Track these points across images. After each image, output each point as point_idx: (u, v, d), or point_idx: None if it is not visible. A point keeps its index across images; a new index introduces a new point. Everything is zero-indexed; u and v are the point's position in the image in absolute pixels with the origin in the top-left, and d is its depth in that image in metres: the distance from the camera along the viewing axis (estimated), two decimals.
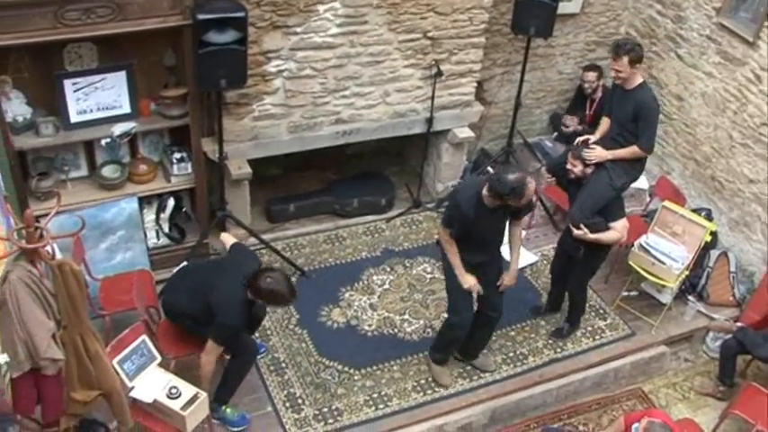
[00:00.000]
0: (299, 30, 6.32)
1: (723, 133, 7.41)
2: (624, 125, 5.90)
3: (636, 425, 4.89)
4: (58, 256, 4.61)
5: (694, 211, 7.23)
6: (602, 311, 6.91)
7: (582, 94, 8.23)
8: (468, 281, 5.61)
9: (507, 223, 5.61)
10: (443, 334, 6.05)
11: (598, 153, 5.90)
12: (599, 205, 5.91)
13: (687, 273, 6.70)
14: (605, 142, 6.02)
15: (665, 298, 6.90)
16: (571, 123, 8.06)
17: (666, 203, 6.85)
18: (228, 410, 5.58)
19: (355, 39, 6.56)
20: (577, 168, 5.94)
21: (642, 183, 7.86)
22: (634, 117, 5.80)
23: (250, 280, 5.15)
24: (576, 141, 6.17)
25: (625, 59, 5.66)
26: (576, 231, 5.90)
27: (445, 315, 6.12)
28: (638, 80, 5.81)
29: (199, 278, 5.47)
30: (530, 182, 5.20)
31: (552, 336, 6.61)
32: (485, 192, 5.26)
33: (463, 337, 5.99)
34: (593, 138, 6.13)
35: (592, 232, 5.87)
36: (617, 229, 5.92)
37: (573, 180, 6.05)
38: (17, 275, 4.05)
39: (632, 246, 6.75)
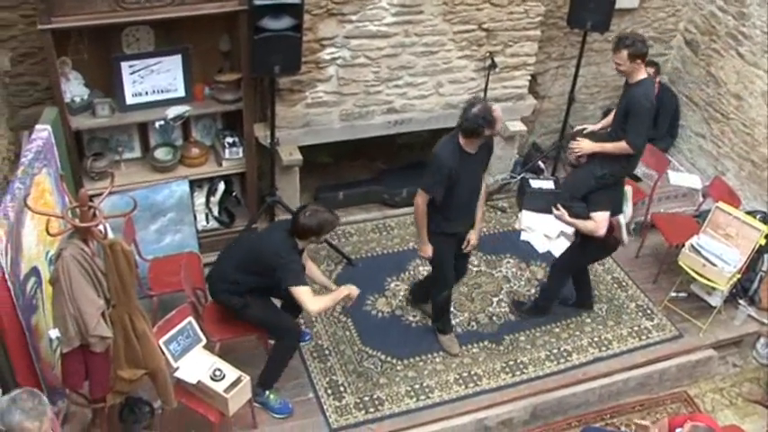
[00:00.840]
0: (354, 18, 6.32)
1: None
2: (618, 120, 5.88)
3: (679, 430, 4.81)
4: (110, 235, 4.68)
5: (749, 213, 7.08)
6: (649, 312, 6.82)
7: None
8: (427, 250, 5.75)
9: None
10: (437, 305, 6.21)
11: (583, 145, 5.93)
12: (579, 191, 5.95)
13: (739, 276, 6.58)
14: (604, 134, 6.03)
15: (715, 301, 6.78)
16: None
17: (720, 204, 6.72)
18: (272, 396, 5.63)
19: (410, 28, 6.55)
20: (572, 155, 6.02)
21: (695, 183, 7.74)
22: (626, 112, 5.76)
23: (292, 226, 5.20)
24: (575, 129, 6.15)
25: (624, 53, 5.60)
26: (554, 211, 5.97)
27: (489, 308, 6.16)
28: (640, 76, 5.71)
29: (244, 246, 5.52)
30: (494, 107, 5.36)
31: (512, 305, 6.65)
32: (461, 140, 5.40)
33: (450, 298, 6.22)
34: (590, 128, 6.14)
35: (570, 216, 5.90)
36: (595, 220, 5.89)
37: (573, 165, 6.17)
38: (70, 253, 4.13)
39: (683, 246, 6.65)
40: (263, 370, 5.59)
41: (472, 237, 5.87)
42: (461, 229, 5.81)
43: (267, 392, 5.61)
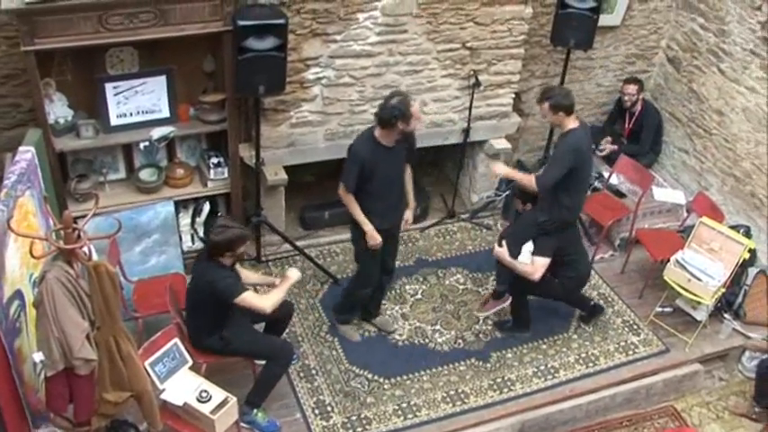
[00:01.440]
0: (338, 38, 6.35)
1: (764, 149, 7.30)
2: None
3: None
4: (95, 257, 4.67)
5: (733, 227, 7.12)
6: (635, 327, 6.83)
7: (621, 107, 8.18)
8: (376, 238, 5.79)
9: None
10: (348, 299, 6.33)
11: (498, 169, 6.24)
12: (523, 238, 6.17)
13: (723, 290, 6.61)
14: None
15: (701, 315, 6.81)
16: (605, 146, 8.04)
17: (704, 219, 6.76)
18: (260, 415, 5.60)
19: (394, 48, 6.58)
20: (518, 204, 6.36)
21: (679, 198, 7.79)
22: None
23: (208, 247, 5.19)
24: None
25: (545, 105, 5.81)
26: (497, 248, 6.15)
27: (476, 326, 6.23)
28: (569, 126, 5.85)
29: (188, 293, 5.50)
30: (412, 100, 5.51)
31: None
32: (377, 131, 5.52)
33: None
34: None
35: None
36: (534, 264, 6.05)
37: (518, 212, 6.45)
38: (54, 275, 4.11)
39: (668, 261, 6.68)
40: (251, 389, 5.56)
41: (408, 215, 6.07)
42: (386, 225, 5.88)
43: (255, 411, 5.58)
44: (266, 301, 5.20)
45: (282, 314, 5.79)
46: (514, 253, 6.13)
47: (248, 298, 5.13)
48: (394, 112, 5.38)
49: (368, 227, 5.75)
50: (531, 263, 6.08)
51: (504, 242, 6.17)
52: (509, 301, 6.63)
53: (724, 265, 6.54)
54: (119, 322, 4.38)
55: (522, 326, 6.59)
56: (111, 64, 5.96)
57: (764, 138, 7.27)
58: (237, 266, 5.41)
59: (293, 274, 5.43)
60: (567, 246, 6.15)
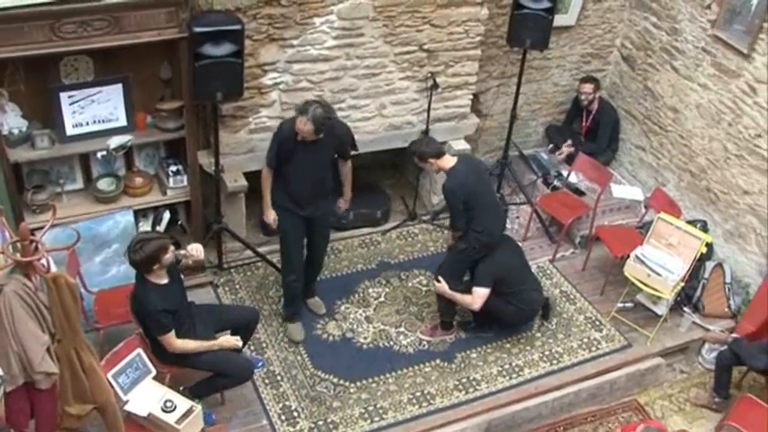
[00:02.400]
0: (295, 42, 6.34)
1: (718, 145, 7.42)
2: None
3: None
4: (53, 269, 4.60)
5: (690, 222, 7.24)
6: (597, 323, 6.91)
7: (578, 105, 8.27)
8: (269, 215, 6.08)
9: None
10: (286, 292, 6.43)
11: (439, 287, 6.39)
12: (456, 272, 6.36)
13: (682, 284, 6.71)
14: None
15: (661, 309, 6.90)
16: (563, 149, 8.14)
17: (662, 215, 6.86)
18: (200, 406, 5.54)
19: (351, 51, 6.58)
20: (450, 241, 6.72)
21: (637, 195, 7.89)
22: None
23: (135, 268, 5.16)
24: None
25: (415, 160, 6.19)
26: (436, 284, 6.34)
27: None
28: (447, 166, 6.10)
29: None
30: (302, 115, 5.55)
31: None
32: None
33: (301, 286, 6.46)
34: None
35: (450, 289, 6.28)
36: (474, 294, 6.20)
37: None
38: (12, 289, 4.05)
39: (628, 257, 6.76)
40: (200, 381, 5.56)
41: (342, 204, 6.40)
42: (308, 213, 6.05)
43: (196, 401, 5.52)
44: (176, 349, 5.24)
45: (247, 321, 5.77)
46: (454, 286, 6.27)
47: (166, 340, 5.18)
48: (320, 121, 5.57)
49: (266, 202, 6.02)
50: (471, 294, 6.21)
51: (440, 277, 6.29)
52: (453, 334, 6.68)
53: (682, 259, 6.65)
54: (80, 334, 4.33)
55: (486, 326, 6.63)
56: (66, 73, 5.88)
57: (718, 134, 7.39)
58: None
59: (226, 342, 5.45)
60: (507, 276, 6.25)
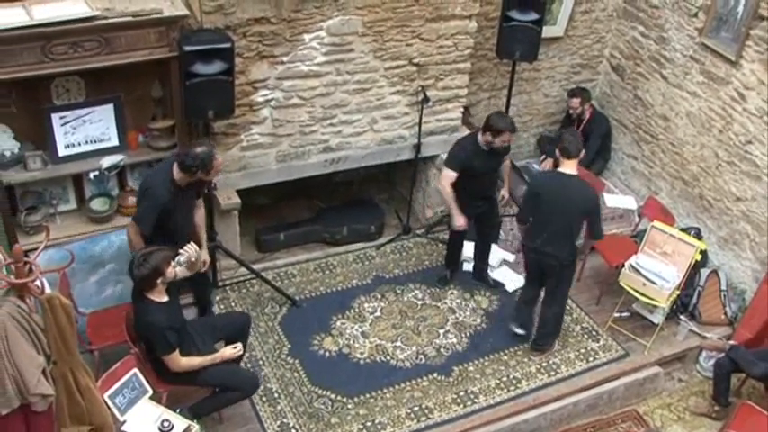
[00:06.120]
0: (285, 59, 6.35)
1: (709, 152, 7.45)
2: None
3: None
4: (48, 290, 4.58)
5: (683, 230, 7.26)
6: (594, 333, 6.90)
7: (570, 116, 8.30)
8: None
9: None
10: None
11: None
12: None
13: (678, 292, 6.72)
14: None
15: (657, 318, 6.90)
16: (542, 164, 8.24)
17: (655, 223, 6.87)
18: (198, 427, 5.52)
19: (342, 67, 6.60)
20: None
21: (631, 204, 7.91)
22: None
23: (137, 284, 5.13)
24: None
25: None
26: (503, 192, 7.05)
27: (437, 341, 6.35)
28: (550, 166, 6.56)
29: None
30: (217, 155, 5.54)
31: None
32: (175, 173, 5.46)
33: None
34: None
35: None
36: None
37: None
38: (6, 311, 4.02)
39: (623, 266, 6.77)
40: (200, 401, 5.53)
41: (204, 256, 5.94)
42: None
43: (194, 422, 5.50)
44: (181, 368, 5.22)
45: (241, 326, 5.78)
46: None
47: (170, 359, 5.16)
48: (196, 162, 5.38)
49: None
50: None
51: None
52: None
53: (677, 267, 6.65)
54: (76, 355, 4.30)
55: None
56: (57, 94, 5.88)
57: (709, 141, 7.42)
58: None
59: (225, 352, 5.41)
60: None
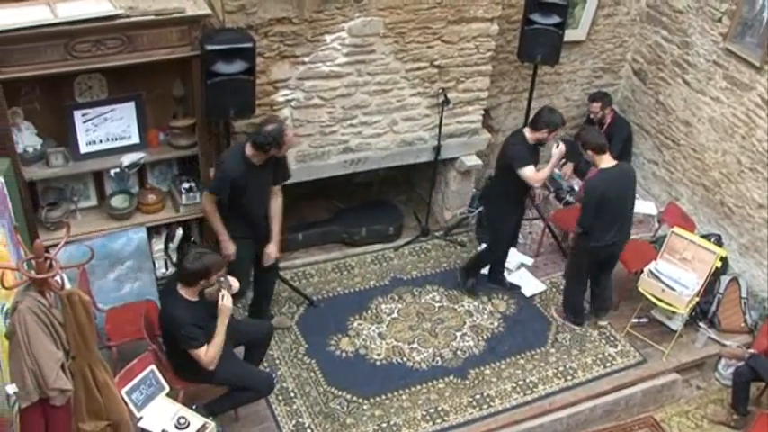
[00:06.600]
0: (306, 59, 6.36)
1: (732, 158, 7.40)
2: None
3: None
4: (68, 286, 4.61)
5: (704, 236, 7.20)
6: (612, 338, 6.87)
7: (591, 120, 8.26)
8: (230, 248, 5.94)
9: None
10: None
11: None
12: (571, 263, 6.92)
13: (697, 299, 6.67)
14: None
15: (676, 325, 6.86)
16: (565, 172, 8.24)
17: (676, 229, 6.83)
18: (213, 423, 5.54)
19: (362, 68, 6.60)
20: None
21: (651, 209, 7.87)
22: None
23: (180, 276, 5.18)
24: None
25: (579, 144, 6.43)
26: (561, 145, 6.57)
27: (454, 343, 6.41)
28: (600, 165, 6.29)
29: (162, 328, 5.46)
30: (288, 130, 5.75)
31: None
32: (247, 150, 5.67)
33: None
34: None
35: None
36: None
37: None
38: (27, 305, 4.05)
39: (642, 272, 6.73)
40: (217, 398, 5.55)
41: (272, 250, 6.12)
42: (259, 236, 6.08)
43: (211, 418, 5.51)
44: (212, 360, 5.15)
45: (261, 336, 5.78)
46: (574, 285, 6.88)
47: (198, 354, 5.11)
48: (268, 139, 5.57)
49: (223, 236, 5.92)
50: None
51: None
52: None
53: (697, 274, 6.60)
54: (94, 351, 4.32)
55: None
56: (80, 91, 5.92)
57: (731, 147, 7.37)
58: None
59: (225, 306, 5.24)
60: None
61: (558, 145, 6.48)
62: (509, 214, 6.81)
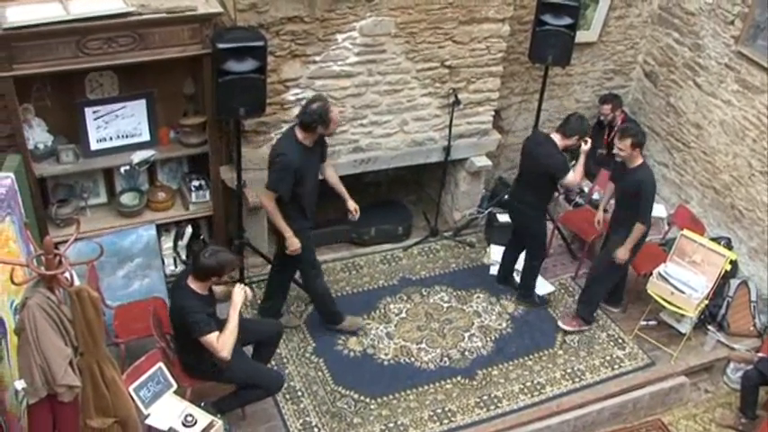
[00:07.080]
0: (317, 58, 6.37)
1: (742, 161, 7.37)
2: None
3: None
4: (77, 282, 4.62)
5: (714, 239, 7.18)
6: (620, 341, 6.85)
7: (601, 123, 8.23)
8: (296, 243, 5.97)
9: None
10: (321, 299, 6.52)
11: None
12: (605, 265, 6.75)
13: (706, 302, 6.65)
14: None
15: (685, 327, 6.83)
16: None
17: (685, 232, 6.81)
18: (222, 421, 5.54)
19: (373, 67, 6.60)
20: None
21: (660, 211, 7.83)
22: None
23: (193, 270, 5.16)
24: None
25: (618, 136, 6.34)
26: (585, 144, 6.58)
27: (462, 344, 6.37)
28: (639, 161, 6.36)
29: (172, 321, 5.46)
30: (332, 107, 5.79)
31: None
32: (299, 134, 5.72)
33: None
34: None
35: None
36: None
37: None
38: (35, 301, 4.06)
39: (651, 275, 6.71)
40: (225, 396, 5.55)
41: (353, 206, 6.33)
42: (309, 224, 6.16)
43: (219, 416, 5.52)
44: (224, 347, 5.09)
45: (271, 335, 5.78)
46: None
47: (211, 340, 5.06)
48: (314, 117, 5.61)
49: (289, 233, 5.92)
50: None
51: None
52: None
53: (706, 277, 6.58)
54: (102, 347, 4.33)
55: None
56: (91, 88, 5.95)
57: (742, 150, 7.34)
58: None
59: (238, 295, 5.27)
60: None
61: (585, 142, 6.47)
62: (544, 218, 6.96)
